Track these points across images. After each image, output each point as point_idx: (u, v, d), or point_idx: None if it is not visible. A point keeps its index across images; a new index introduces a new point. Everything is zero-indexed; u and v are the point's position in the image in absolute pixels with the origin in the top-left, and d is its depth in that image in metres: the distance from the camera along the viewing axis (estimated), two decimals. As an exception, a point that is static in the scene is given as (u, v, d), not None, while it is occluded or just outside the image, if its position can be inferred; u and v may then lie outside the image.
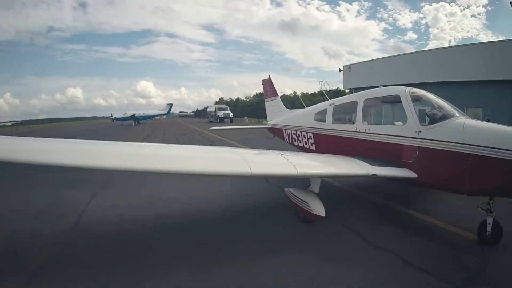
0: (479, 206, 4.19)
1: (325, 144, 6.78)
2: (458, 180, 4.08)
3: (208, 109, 66.34)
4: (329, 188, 7.15)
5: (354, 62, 23.80)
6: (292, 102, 22.92)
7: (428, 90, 5.27)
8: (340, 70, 24.00)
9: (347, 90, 28.26)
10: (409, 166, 4.64)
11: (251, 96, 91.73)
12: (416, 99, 5.06)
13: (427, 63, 17.39)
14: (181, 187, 6.87)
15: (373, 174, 4.42)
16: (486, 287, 3.24)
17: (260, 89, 11.92)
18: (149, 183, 7.23)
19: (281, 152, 4.65)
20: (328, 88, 28.03)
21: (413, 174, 4.56)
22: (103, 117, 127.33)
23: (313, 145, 7.38)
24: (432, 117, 4.60)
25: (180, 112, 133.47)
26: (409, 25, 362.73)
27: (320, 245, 4.08)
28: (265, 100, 12.19)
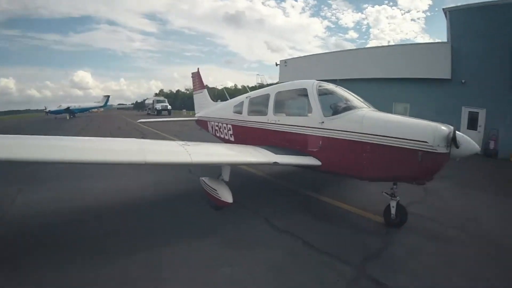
0: (384, 191, 4.49)
1: (242, 135, 7.01)
2: (358, 167, 4.34)
3: (146, 101, 64.53)
4: (252, 178, 7.37)
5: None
6: (233, 94, 22.92)
7: (337, 85, 5.57)
8: (276, 64, 24.32)
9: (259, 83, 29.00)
10: (314, 155, 4.92)
11: (192, 88, 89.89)
12: (324, 93, 5.32)
13: (359, 60, 18.42)
14: (114, 179, 6.80)
15: (275, 162, 4.60)
16: (383, 265, 3.40)
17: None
18: (76, 177, 6.98)
19: (183, 142, 4.71)
20: (265, 82, 28.67)
21: (317, 162, 4.83)
22: (37, 110, 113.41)
23: (232, 136, 7.58)
24: (335, 109, 4.86)
25: (119, 104, 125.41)
26: (351, 25, 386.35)
27: (228, 231, 4.18)
28: (194, 92, 12.18)
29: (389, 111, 16.86)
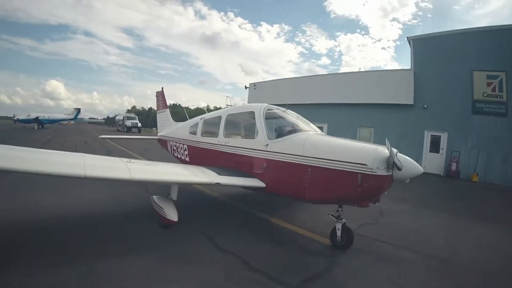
0: (330, 213, 4.40)
1: (195, 155, 7.08)
2: (301, 189, 4.32)
3: (117, 117, 62.82)
4: (205, 198, 7.16)
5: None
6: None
7: (286, 109, 5.66)
8: (246, 87, 24.61)
9: None
10: (259, 177, 4.95)
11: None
12: (272, 116, 5.46)
13: (327, 86, 18.96)
14: (70, 193, 6.55)
15: (217, 183, 4.57)
16: (321, 286, 3.31)
17: (174, 100, 11.75)
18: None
19: (128, 160, 4.64)
20: (233, 104, 29.14)
21: (261, 184, 4.86)
22: (6, 117, 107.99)
23: (187, 156, 7.59)
24: (279, 132, 4.96)
25: (90, 118, 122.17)
26: (324, 51, 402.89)
27: (170, 248, 4.08)
28: (157, 112, 12.09)
29: (354, 135, 17.78)
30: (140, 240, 4.28)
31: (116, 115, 72.18)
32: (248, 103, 25.06)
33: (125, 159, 4.66)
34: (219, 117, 6.29)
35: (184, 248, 4.08)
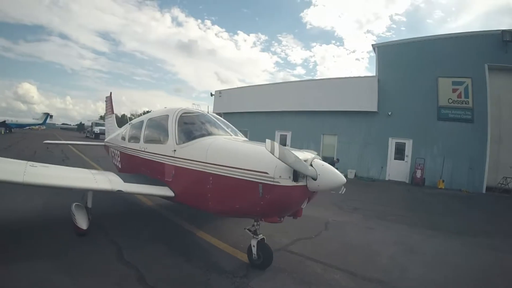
0: (246, 227, 3.82)
1: (124, 162, 6.83)
2: (204, 200, 3.89)
3: (86, 124, 61.89)
4: (138, 207, 6.47)
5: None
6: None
7: (208, 113, 5.30)
8: (211, 95, 24.07)
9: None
10: (169, 185, 4.60)
11: (138, 113, 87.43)
12: (189, 121, 4.98)
13: (291, 93, 18.49)
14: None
15: (119, 190, 4.22)
16: None
17: (149, 107, 11.23)
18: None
19: (32, 163, 4.35)
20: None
21: (170, 193, 4.49)
22: None
23: (120, 163, 7.28)
24: (186, 137, 4.55)
25: (63, 124, 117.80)
26: (300, 61, 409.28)
27: (74, 257, 3.80)
28: (105, 117, 11.85)
29: (318, 143, 17.38)
30: (49, 247, 4.01)
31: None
32: (213, 110, 24.40)
33: (30, 163, 4.36)
34: (142, 122, 6.05)
35: (87, 258, 3.78)
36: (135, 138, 6.18)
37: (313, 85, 18.18)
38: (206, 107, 30.80)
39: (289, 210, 3.37)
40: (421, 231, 5.96)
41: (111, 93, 11.84)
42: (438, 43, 14.35)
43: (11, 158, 4.67)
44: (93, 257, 3.81)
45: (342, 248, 4.70)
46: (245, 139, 4.93)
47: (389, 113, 15.00)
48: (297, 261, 4.01)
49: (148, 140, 5.60)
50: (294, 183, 3.06)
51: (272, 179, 3.07)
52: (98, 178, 4.44)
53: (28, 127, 51.23)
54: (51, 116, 59.29)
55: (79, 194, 6.02)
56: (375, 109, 15.28)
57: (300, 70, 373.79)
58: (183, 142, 4.46)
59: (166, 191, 4.51)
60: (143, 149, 5.56)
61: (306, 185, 3.09)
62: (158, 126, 5.52)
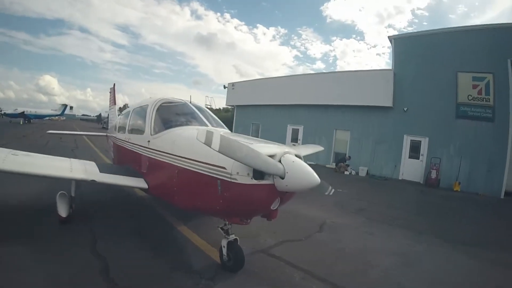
0: (219, 225, 3.49)
1: (116, 152, 6.84)
2: (171, 193, 3.75)
3: (102, 115, 63.01)
4: (130, 198, 6.34)
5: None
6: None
7: (190, 102, 4.96)
8: (225, 87, 23.67)
9: (229, 107, 28.99)
10: (144, 176, 4.53)
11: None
12: (169, 112, 4.82)
13: (304, 86, 17.86)
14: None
15: (92, 180, 4.13)
16: None
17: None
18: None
19: (14, 152, 4.46)
20: (214, 104, 29.55)
21: (144, 185, 4.39)
22: None
23: (112, 153, 7.37)
24: (159, 127, 4.41)
25: (83, 115, 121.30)
26: (319, 55, 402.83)
27: (48, 243, 3.78)
28: (109, 108, 11.97)
29: (331, 138, 16.83)
30: (30, 231, 4.10)
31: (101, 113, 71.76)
32: (226, 102, 24.12)
33: (13, 151, 4.46)
34: (129, 112, 6.06)
35: (59, 245, 3.75)
36: (123, 129, 6.15)
37: (326, 78, 17.49)
38: (209, 98, 30.77)
39: (252, 211, 3.05)
40: (427, 240, 5.32)
41: (114, 84, 12.05)
42: (458, 35, 13.33)
43: (24, 147, 4.88)
44: (66, 244, 3.77)
45: (332, 254, 4.24)
46: (226, 131, 4.60)
47: (405, 109, 14.20)
48: (275, 266, 3.64)
49: (131, 130, 5.57)
50: (255, 181, 2.70)
51: (229, 175, 2.75)
52: (74, 167, 4.44)
53: (47, 118, 52.69)
54: (71, 107, 60.95)
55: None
56: (390, 104, 14.50)
57: (319, 65, 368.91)
58: (156, 133, 4.34)
59: (140, 183, 4.42)
60: (127, 140, 5.54)
61: (274, 184, 2.72)
62: (139, 116, 5.38)
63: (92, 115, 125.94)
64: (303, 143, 16.88)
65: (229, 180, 2.75)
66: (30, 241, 3.76)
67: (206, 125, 4.36)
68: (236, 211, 3.03)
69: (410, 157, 14.18)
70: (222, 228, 3.43)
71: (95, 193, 5.87)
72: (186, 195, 3.50)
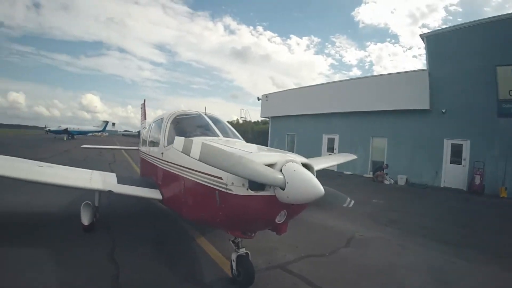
0: (230, 238, 3.36)
1: (141, 165, 7.18)
2: (180, 204, 3.81)
3: (140, 131, 65.47)
4: (151, 208, 6.37)
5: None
6: (235, 128, 22.40)
7: (206, 114, 5.01)
8: (258, 99, 23.74)
9: (262, 119, 29.54)
10: (160, 188, 4.63)
11: None
12: (181, 123, 4.94)
13: (338, 94, 17.40)
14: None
15: (109, 191, 4.29)
16: None
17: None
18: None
19: (40, 163, 4.88)
20: (249, 117, 30.17)
21: (159, 196, 4.49)
22: (41, 128, 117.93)
23: (140, 167, 7.60)
24: (171, 139, 4.28)
25: (125, 131, 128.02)
26: (355, 62, 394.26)
27: (70, 248, 4.01)
28: (140, 123, 12.36)
29: (367, 146, 16.12)
30: (55, 237, 4.35)
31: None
32: (261, 114, 24.22)
33: (38, 163, 4.89)
34: (150, 126, 6.29)
35: (78, 250, 3.93)
36: (145, 142, 6.49)
37: (359, 84, 16.89)
38: (244, 111, 30.98)
39: (252, 224, 2.91)
40: (469, 256, 4.68)
41: (144, 100, 12.44)
42: (494, 26, 12.17)
43: (64, 160, 5.23)
44: (85, 250, 3.93)
45: (357, 272, 3.87)
46: (241, 141, 4.55)
47: (443, 111, 13.23)
48: (290, 284, 3.40)
49: (150, 143, 5.82)
50: (252, 192, 2.57)
51: (225, 186, 2.66)
52: (94, 178, 4.62)
53: (90, 134, 55.71)
54: (113, 124, 64.40)
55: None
56: (427, 106, 13.58)
57: (356, 71, 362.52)
58: (168, 144, 4.44)
59: (156, 194, 4.52)
60: (148, 152, 5.80)
61: (275, 196, 2.55)
62: (156, 129, 5.62)
63: (133, 131, 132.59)
64: (340, 152, 16.39)
65: (225, 191, 2.67)
66: (53, 245, 3.99)
67: (217, 136, 4.35)
68: (235, 224, 2.92)
69: (451, 162, 13.13)
70: (233, 242, 3.32)
71: (121, 203, 6.10)
72: (191, 206, 3.53)
